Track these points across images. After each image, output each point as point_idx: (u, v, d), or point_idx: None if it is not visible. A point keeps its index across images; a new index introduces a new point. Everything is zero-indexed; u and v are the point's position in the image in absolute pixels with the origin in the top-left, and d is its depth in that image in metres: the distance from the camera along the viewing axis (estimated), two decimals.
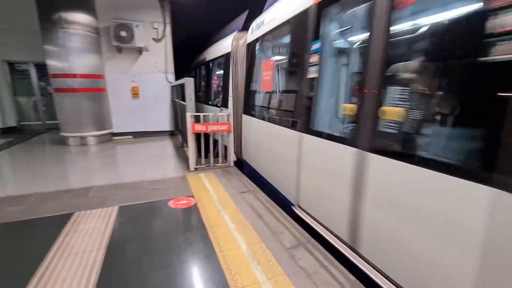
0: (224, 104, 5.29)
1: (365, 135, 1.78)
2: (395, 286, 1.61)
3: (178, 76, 7.25)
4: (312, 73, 2.42)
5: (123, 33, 6.22)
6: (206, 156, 4.58)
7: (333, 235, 2.18)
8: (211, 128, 4.12)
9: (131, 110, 6.99)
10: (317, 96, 2.42)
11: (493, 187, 1.09)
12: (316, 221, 2.42)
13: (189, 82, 4.18)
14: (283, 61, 3.28)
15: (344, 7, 2.24)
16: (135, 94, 6.97)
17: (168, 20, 6.93)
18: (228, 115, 4.28)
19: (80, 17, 5.76)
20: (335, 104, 2.51)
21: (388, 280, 1.64)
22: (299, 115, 2.61)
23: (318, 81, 2.39)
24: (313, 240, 2.31)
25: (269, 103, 3.64)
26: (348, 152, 1.92)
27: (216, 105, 6.13)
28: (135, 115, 7.05)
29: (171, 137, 7.20)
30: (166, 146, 6.22)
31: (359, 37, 2.33)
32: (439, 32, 1.55)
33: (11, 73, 8.00)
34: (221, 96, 5.84)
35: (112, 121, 6.82)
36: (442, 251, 1.32)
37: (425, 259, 1.41)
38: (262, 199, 3.16)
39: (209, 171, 4.20)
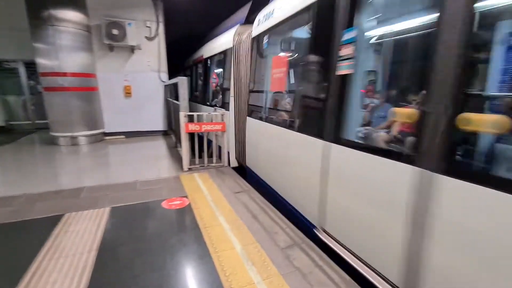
0: (224, 105, 4.87)
1: (435, 150, 1.33)
2: None
3: (172, 75, 7.17)
4: (343, 68, 1.98)
5: (115, 31, 6.12)
6: (200, 156, 4.52)
7: (375, 273, 1.74)
8: (205, 128, 4.09)
9: (123, 109, 6.89)
10: (351, 97, 2.00)
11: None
12: (348, 251, 1.98)
13: (182, 81, 4.14)
14: (300, 56, 2.81)
15: None
16: (128, 93, 6.87)
17: (161, 18, 6.85)
18: (222, 115, 4.25)
19: (70, 14, 5.64)
20: (380, 107, 2.17)
21: None
22: (326, 121, 2.16)
23: (352, 79, 1.96)
24: (307, 240, 2.31)
25: (281, 105, 3.27)
26: (405, 172, 1.49)
27: (214, 106, 5.70)
28: (128, 115, 6.95)
29: (164, 137, 7.12)
30: (159, 146, 6.15)
31: (418, 21, 1.93)
32: None
33: None
34: (220, 96, 5.48)
35: (104, 121, 6.71)
36: None
37: None
38: (256, 199, 3.15)
39: (203, 171, 4.17)
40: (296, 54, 2.97)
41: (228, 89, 4.64)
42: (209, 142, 4.59)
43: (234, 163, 4.57)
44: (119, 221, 2.61)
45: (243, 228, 2.47)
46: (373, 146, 1.89)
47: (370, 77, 2.59)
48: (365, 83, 2.19)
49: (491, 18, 1.38)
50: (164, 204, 2.95)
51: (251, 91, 3.93)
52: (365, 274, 1.76)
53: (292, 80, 2.99)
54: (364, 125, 2.31)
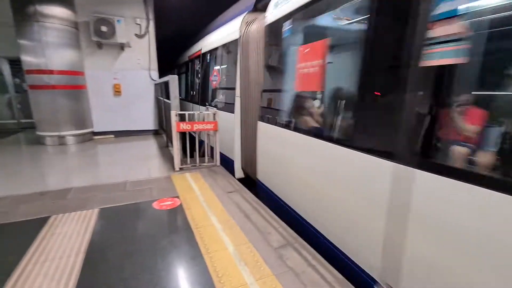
0: (227, 107, 4.30)
1: None
2: None
3: (163, 74, 7.05)
4: (440, 57, 1.33)
5: (103, 28, 5.98)
6: (192, 156, 4.47)
7: None
8: (196, 127, 4.03)
9: (113, 108, 6.75)
10: (456, 101, 1.36)
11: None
12: None
13: (173, 80, 4.07)
14: (352, 41, 2.07)
15: None
16: (117, 91, 6.73)
17: (151, 15, 6.73)
18: (214, 114, 4.20)
19: (57, 10, 5.47)
20: None
21: None
22: (402, 135, 1.50)
23: (461, 72, 1.30)
24: (300, 239, 2.30)
25: (313, 109, 2.52)
26: None
27: (215, 107, 5.00)
28: (117, 114, 6.82)
29: (155, 136, 7.02)
30: (150, 145, 6.05)
31: None
32: None
33: None
34: (221, 96, 4.89)
35: (92, 120, 6.56)
36: None
37: None
38: (249, 198, 3.12)
39: (194, 170, 4.11)
40: (341, 40, 2.24)
41: (233, 88, 4.07)
42: (201, 141, 4.54)
43: (239, 173, 4.13)
44: (108, 223, 2.54)
45: (236, 228, 2.45)
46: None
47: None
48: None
49: None
50: (155, 205, 2.90)
51: (265, 91, 3.28)
52: None
53: (336, 76, 2.26)
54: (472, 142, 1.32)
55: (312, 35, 2.44)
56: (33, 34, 5.35)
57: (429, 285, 1.38)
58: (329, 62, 2.20)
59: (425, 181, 1.37)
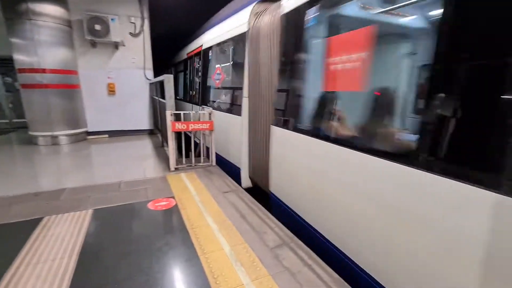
0: (233, 109, 3.94)
1: None
2: None
3: (158, 73, 6.98)
4: None
5: (97, 27, 5.91)
6: (187, 156, 4.44)
7: None
8: (192, 127, 4.01)
9: (107, 108, 6.67)
10: None
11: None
12: None
13: (168, 79, 4.04)
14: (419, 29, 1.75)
15: None
16: (111, 91, 6.66)
17: (146, 14, 6.67)
18: (210, 114, 4.18)
19: (49, 8, 5.39)
20: None
21: None
22: None
23: None
24: (296, 239, 2.30)
25: (350, 113, 2.13)
26: None
27: (218, 109, 4.64)
28: (112, 113, 6.74)
29: (150, 136, 6.96)
30: (145, 145, 6.00)
31: None
32: None
33: None
34: (226, 97, 4.50)
35: (86, 120, 6.48)
36: None
37: None
38: (245, 198, 3.11)
39: (190, 171, 4.09)
40: (397, 28, 1.90)
41: (240, 88, 3.72)
42: (197, 142, 4.51)
43: (246, 182, 3.74)
44: (102, 224, 2.51)
45: (232, 228, 2.44)
46: None
47: None
48: None
49: None
50: (150, 205, 2.87)
51: (281, 91, 2.85)
52: None
53: (386, 73, 1.94)
54: None
55: (349, 23, 2.02)
56: (25, 32, 5.27)
57: None
58: (374, 55, 1.72)
59: None
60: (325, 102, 2.30)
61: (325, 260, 2.04)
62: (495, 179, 1.09)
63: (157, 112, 6.02)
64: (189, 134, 4.30)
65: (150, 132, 7.27)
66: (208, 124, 4.07)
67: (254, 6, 3.54)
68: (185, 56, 7.65)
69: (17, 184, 3.48)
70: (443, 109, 1.30)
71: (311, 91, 2.46)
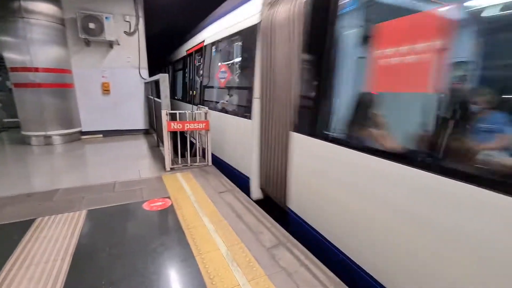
0: (241, 111, 3.56)
1: None
2: None
3: (153, 72, 6.90)
4: None
5: (91, 25, 5.83)
6: (183, 155, 4.40)
7: None
8: (188, 127, 3.98)
9: (101, 107, 6.60)
10: None
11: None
12: None
13: (163, 78, 4.01)
14: None
15: None
16: (106, 90, 6.59)
17: (141, 13, 6.61)
18: (206, 113, 4.15)
19: (42, 6, 5.31)
20: None
21: None
22: None
23: None
24: (292, 239, 2.30)
25: (407, 121, 1.75)
26: None
27: (222, 111, 4.25)
28: (106, 113, 6.67)
29: (145, 136, 6.91)
30: (140, 145, 5.95)
31: None
32: None
33: None
34: (232, 97, 4.08)
35: (80, 119, 6.40)
36: None
37: None
38: (241, 198, 3.10)
39: (186, 170, 4.06)
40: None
41: (250, 88, 3.33)
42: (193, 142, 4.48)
43: (257, 193, 3.31)
44: (97, 225, 2.48)
45: (228, 228, 2.42)
46: None
47: None
48: None
49: None
50: (145, 206, 2.84)
51: (306, 91, 2.37)
52: None
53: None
54: None
55: (404, 4, 1.66)
56: (17, 31, 5.18)
57: None
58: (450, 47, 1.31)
59: None
60: (370, 106, 1.93)
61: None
62: None
63: (152, 112, 5.98)
64: (184, 133, 4.27)
65: (146, 132, 7.21)
66: (204, 124, 4.05)
67: None
68: (184, 54, 7.14)
69: (9, 184, 3.42)
70: None
71: (349, 92, 2.10)
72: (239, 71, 3.89)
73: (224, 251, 2.09)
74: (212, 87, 4.87)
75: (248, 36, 3.41)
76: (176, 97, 8.34)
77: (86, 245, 2.15)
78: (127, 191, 3.24)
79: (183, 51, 7.23)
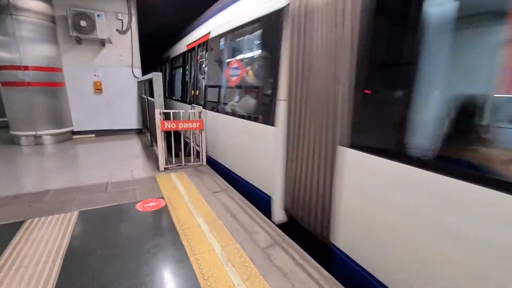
0: (260, 115, 2.99)
1: None
2: None
3: (150, 71, 6.73)
4: None
5: (83, 23, 5.73)
6: (177, 155, 4.36)
7: None
8: (182, 126, 3.94)
9: (93, 106, 6.49)
10: None
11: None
12: None
13: (157, 77, 3.97)
14: None
15: None
16: (98, 89, 6.49)
17: (134, 11, 6.53)
18: (200, 113, 4.12)
19: (32, 3, 5.19)
20: None
21: None
22: None
23: None
24: (287, 238, 2.29)
25: None
26: None
27: (233, 114, 3.65)
28: (98, 112, 6.56)
29: (139, 136, 6.83)
30: (133, 145, 5.87)
31: None
32: None
33: None
34: (245, 98, 3.47)
35: (72, 119, 6.29)
36: None
37: None
38: (236, 198, 3.08)
39: (180, 170, 4.03)
40: None
41: (272, 87, 2.74)
42: (187, 141, 4.43)
43: (279, 215, 2.77)
44: (89, 226, 2.43)
45: (223, 228, 2.41)
46: None
47: None
48: None
49: None
50: (139, 206, 2.80)
51: (372, 100, 1.82)
52: None
53: None
54: None
55: None
56: (6, 28, 5.05)
57: None
58: None
59: None
60: (493, 115, 1.39)
61: None
62: None
63: (145, 111, 5.90)
64: (186, 136, 4.20)
65: (139, 132, 7.13)
66: (198, 123, 4.02)
67: None
68: (183, 49, 6.47)
69: None
70: None
71: (454, 94, 1.58)
72: (257, 67, 3.23)
73: (219, 251, 2.07)
74: (220, 86, 4.22)
75: (270, 24, 2.80)
76: (174, 97, 7.87)
77: (78, 247, 2.11)
78: (120, 191, 3.19)
79: (182, 46, 6.63)
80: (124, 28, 6.50)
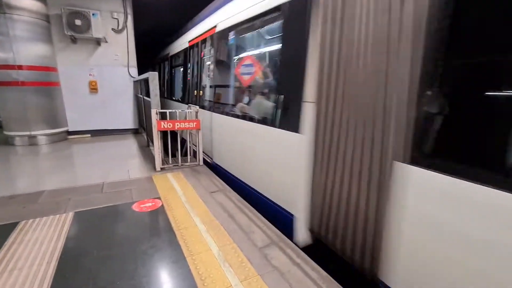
0: (281, 120, 2.55)
1: None
2: None
3: (146, 71, 6.60)
4: None
5: (78, 22, 5.67)
6: (174, 155, 4.34)
7: None
8: (178, 126, 3.92)
9: (89, 106, 6.43)
10: None
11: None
12: None
13: (153, 76, 3.94)
14: None
15: None
16: (93, 89, 6.43)
17: (129, 10, 6.48)
18: (196, 112, 4.10)
19: (26, 2, 5.13)
20: None
21: None
22: None
23: None
24: (284, 238, 2.29)
25: None
26: None
27: (244, 118, 3.25)
28: (94, 112, 6.51)
29: (135, 136, 6.78)
30: (130, 145, 5.83)
31: None
32: None
33: None
34: (261, 100, 3.10)
35: (67, 119, 6.23)
36: None
37: None
38: (233, 198, 3.08)
39: (177, 170, 4.01)
40: None
41: (297, 89, 2.30)
42: (184, 140, 4.40)
43: (303, 237, 2.38)
44: (84, 227, 2.41)
45: (220, 228, 2.40)
46: None
47: None
48: None
49: None
50: (135, 207, 2.78)
51: (455, 103, 1.39)
52: None
53: None
54: None
55: None
56: None
57: None
58: None
59: None
60: None
61: None
62: None
63: (142, 111, 5.86)
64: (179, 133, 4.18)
65: (135, 132, 7.08)
66: (195, 123, 4.00)
67: None
68: (185, 46, 6.01)
69: None
70: None
71: None
72: (276, 63, 2.84)
73: (216, 251, 2.06)
74: (227, 86, 3.85)
75: (293, 12, 2.41)
76: (174, 98, 7.61)
77: (73, 248, 2.08)
78: (116, 192, 3.17)
79: (183, 42, 6.22)
80: (120, 27, 6.45)
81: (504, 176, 1.15)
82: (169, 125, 3.85)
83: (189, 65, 5.78)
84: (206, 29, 4.59)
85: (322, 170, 2.11)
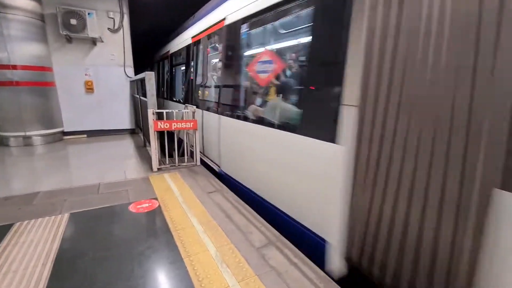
0: (310, 127, 2.18)
1: None
2: None
3: (144, 70, 6.50)
4: None
5: (73, 22, 5.62)
6: (171, 155, 4.32)
7: None
8: (175, 126, 3.90)
9: (85, 106, 6.38)
10: None
11: None
12: None
13: (149, 76, 3.92)
14: None
15: None
16: (89, 89, 6.38)
17: (125, 9, 6.44)
18: (193, 112, 4.09)
19: (20, 1, 5.08)
20: None
21: None
22: None
23: None
24: (282, 238, 2.29)
25: None
26: None
27: (261, 122, 2.84)
28: (90, 112, 6.46)
29: (132, 136, 6.74)
30: (126, 145, 5.80)
31: None
32: None
33: None
34: (278, 104, 2.76)
35: (62, 119, 6.18)
36: None
37: None
38: (230, 198, 3.07)
39: (174, 171, 3.99)
40: None
41: (333, 89, 1.93)
42: (181, 140, 4.38)
43: (338, 266, 1.94)
44: (80, 229, 2.39)
45: (217, 229, 2.39)
46: None
47: None
48: None
49: None
50: (132, 208, 2.77)
51: None
52: None
53: None
54: None
55: None
56: None
57: None
58: None
59: None
60: None
61: None
62: None
63: (138, 111, 5.83)
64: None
65: (132, 132, 7.05)
66: (192, 123, 3.99)
67: None
68: (187, 42, 5.56)
69: None
70: None
71: None
72: (304, 58, 2.47)
73: (213, 252, 2.05)
74: (238, 86, 3.44)
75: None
76: (174, 99, 7.24)
77: (69, 249, 2.06)
78: (112, 192, 3.14)
79: (185, 39, 5.77)
80: (116, 27, 6.41)
81: None
82: (166, 125, 3.83)
83: (192, 63, 5.34)
84: (213, 23, 4.12)
85: (365, 190, 1.69)
